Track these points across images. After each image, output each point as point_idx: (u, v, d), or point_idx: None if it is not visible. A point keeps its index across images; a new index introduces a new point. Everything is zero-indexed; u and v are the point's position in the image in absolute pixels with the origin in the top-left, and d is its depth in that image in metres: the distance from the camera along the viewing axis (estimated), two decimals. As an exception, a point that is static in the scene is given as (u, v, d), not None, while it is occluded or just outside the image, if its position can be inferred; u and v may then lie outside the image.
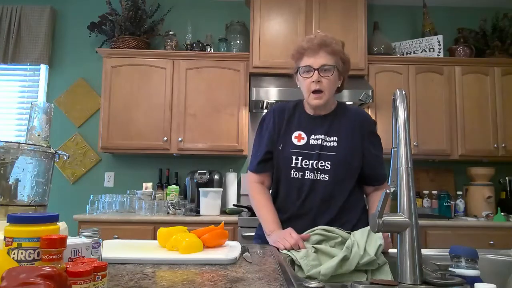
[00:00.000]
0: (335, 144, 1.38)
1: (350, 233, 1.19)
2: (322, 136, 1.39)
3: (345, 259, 1.04)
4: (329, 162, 1.36)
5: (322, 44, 1.36)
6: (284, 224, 1.37)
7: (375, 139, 1.45)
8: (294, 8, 3.13)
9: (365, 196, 1.52)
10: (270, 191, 1.51)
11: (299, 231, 1.27)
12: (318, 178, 1.37)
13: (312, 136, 1.40)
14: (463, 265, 0.99)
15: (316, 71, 1.35)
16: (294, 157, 1.39)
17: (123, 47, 3.18)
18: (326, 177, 1.36)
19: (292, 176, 1.39)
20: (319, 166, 1.37)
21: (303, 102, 1.50)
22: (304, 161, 1.38)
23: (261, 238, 1.46)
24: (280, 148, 1.43)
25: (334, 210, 1.37)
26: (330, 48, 1.36)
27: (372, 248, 1.05)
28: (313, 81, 1.36)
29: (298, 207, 1.39)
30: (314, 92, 1.37)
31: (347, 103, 3.00)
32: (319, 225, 1.33)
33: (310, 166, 1.37)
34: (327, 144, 1.38)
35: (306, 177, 1.37)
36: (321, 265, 1.06)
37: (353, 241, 1.08)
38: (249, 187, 1.50)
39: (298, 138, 1.41)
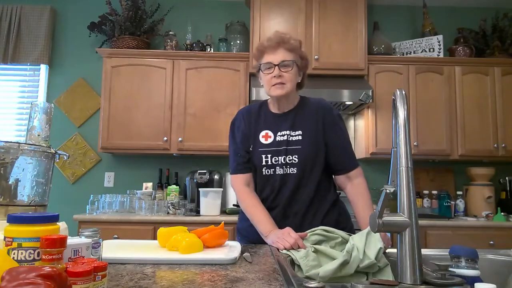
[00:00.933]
0: (300, 137, 1.45)
1: (350, 235, 1.19)
2: (288, 132, 1.46)
3: (344, 263, 1.04)
4: (296, 156, 1.43)
5: (281, 42, 1.44)
6: None
7: (336, 128, 1.49)
8: (294, 8, 3.13)
9: (342, 189, 1.54)
10: None
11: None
12: (288, 172, 1.44)
13: (279, 133, 1.47)
14: (463, 265, 0.99)
15: (276, 67, 1.43)
16: (263, 156, 1.46)
17: (123, 47, 3.18)
18: (295, 170, 1.43)
19: (264, 173, 1.46)
20: (287, 161, 1.44)
21: (267, 102, 1.57)
22: (273, 158, 1.45)
23: (240, 231, 1.54)
24: (251, 149, 1.49)
25: (305, 201, 1.43)
26: (288, 45, 1.44)
27: (372, 251, 1.04)
28: (274, 76, 1.43)
29: (271, 201, 1.46)
30: (275, 84, 1.44)
31: (347, 103, 3.02)
32: (289, 215, 1.43)
33: (279, 162, 1.44)
34: (293, 139, 1.45)
35: (277, 172, 1.45)
36: (321, 267, 1.06)
37: (352, 245, 1.07)
38: (236, 191, 1.52)
39: (265, 137, 1.48)
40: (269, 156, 1.45)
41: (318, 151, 1.45)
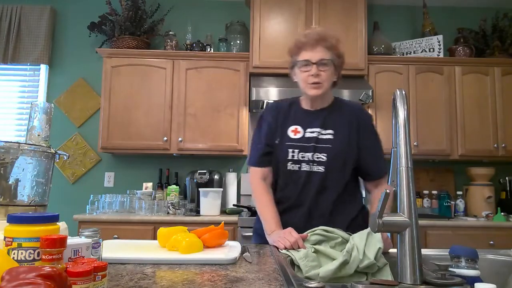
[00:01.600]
0: (331, 137, 1.41)
1: (350, 235, 1.19)
2: (318, 129, 1.43)
3: (344, 263, 1.04)
4: (325, 154, 1.39)
5: (320, 39, 1.40)
6: (281, 215, 1.42)
7: (371, 133, 1.46)
8: (294, 8, 3.13)
9: (367, 193, 1.52)
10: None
11: (296, 222, 1.33)
12: (314, 170, 1.40)
13: (308, 129, 1.44)
14: (463, 265, 0.99)
15: (314, 65, 1.39)
16: (290, 150, 1.42)
17: (123, 47, 3.18)
18: (321, 168, 1.39)
19: (288, 168, 1.42)
20: (315, 158, 1.40)
21: (299, 99, 1.54)
22: (300, 153, 1.41)
23: (257, 231, 1.51)
24: (277, 142, 1.46)
25: (329, 202, 1.39)
26: (328, 43, 1.40)
27: (371, 252, 1.05)
28: (312, 75, 1.39)
29: (295, 199, 1.42)
30: (312, 83, 1.41)
31: (347, 103, 3.02)
32: (314, 216, 1.38)
33: (306, 159, 1.40)
34: (323, 137, 1.41)
35: (302, 169, 1.41)
36: (320, 267, 1.06)
37: (352, 245, 1.07)
38: (252, 184, 1.51)
39: (294, 132, 1.45)
40: (296, 151, 1.41)
41: (349, 153, 1.41)
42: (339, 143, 1.40)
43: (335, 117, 1.45)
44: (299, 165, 1.41)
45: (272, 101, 3.02)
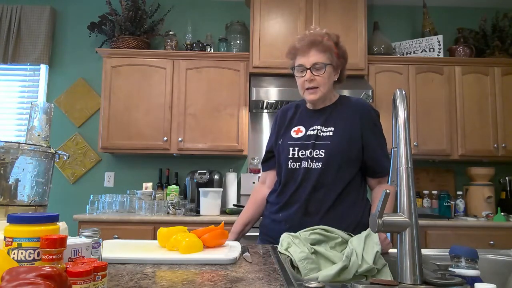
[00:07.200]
0: (331, 133, 1.40)
1: (351, 235, 1.19)
2: (319, 127, 1.43)
3: (343, 268, 1.03)
4: (323, 151, 1.38)
5: (313, 43, 1.39)
6: (279, 211, 1.44)
7: (376, 130, 1.44)
8: (294, 8, 3.13)
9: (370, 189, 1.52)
10: (274, 184, 1.56)
11: (292, 219, 1.36)
12: (312, 166, 1.39)
13: (310, 128, 1.45)
14: (463, 265, 0.99)
15: (308, 70, 1.40)
16: (291, 149, 1.43)
17: (123, 47, 3.18)
18: (319, 164, 1.38)
19: (289, 167, 1.43)
20: (314, 155, 1.39)
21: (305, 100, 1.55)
22: (300, 151, 1.42)
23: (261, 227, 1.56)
24: (280, 142, 1.49)
25: (327, 200, 1.37)
26: (321, 46, 1.39)
27: (369, 256, 1.04)
28: (306, 80, 1.41)
29: (291, 195, 1.42)
30: (308, 88, 1.42)
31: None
32: (310, 213, 1.37)
33: (306, 156, 1.40)
34: (323, 134, 1.41)
35: (302, 166, 1.41)
36: (320, 270, 1.06)
37: (351, 249, 1.07)
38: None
39: (297, 131, 1.47)
40: (296, 149, 1.42)
41: (351, 150, 1.38)
42: (338, 139, 1.38)
43: (337, 114, 1.45)
44: (299, 163, 1.41)
45: (272, 101, 3.04)
